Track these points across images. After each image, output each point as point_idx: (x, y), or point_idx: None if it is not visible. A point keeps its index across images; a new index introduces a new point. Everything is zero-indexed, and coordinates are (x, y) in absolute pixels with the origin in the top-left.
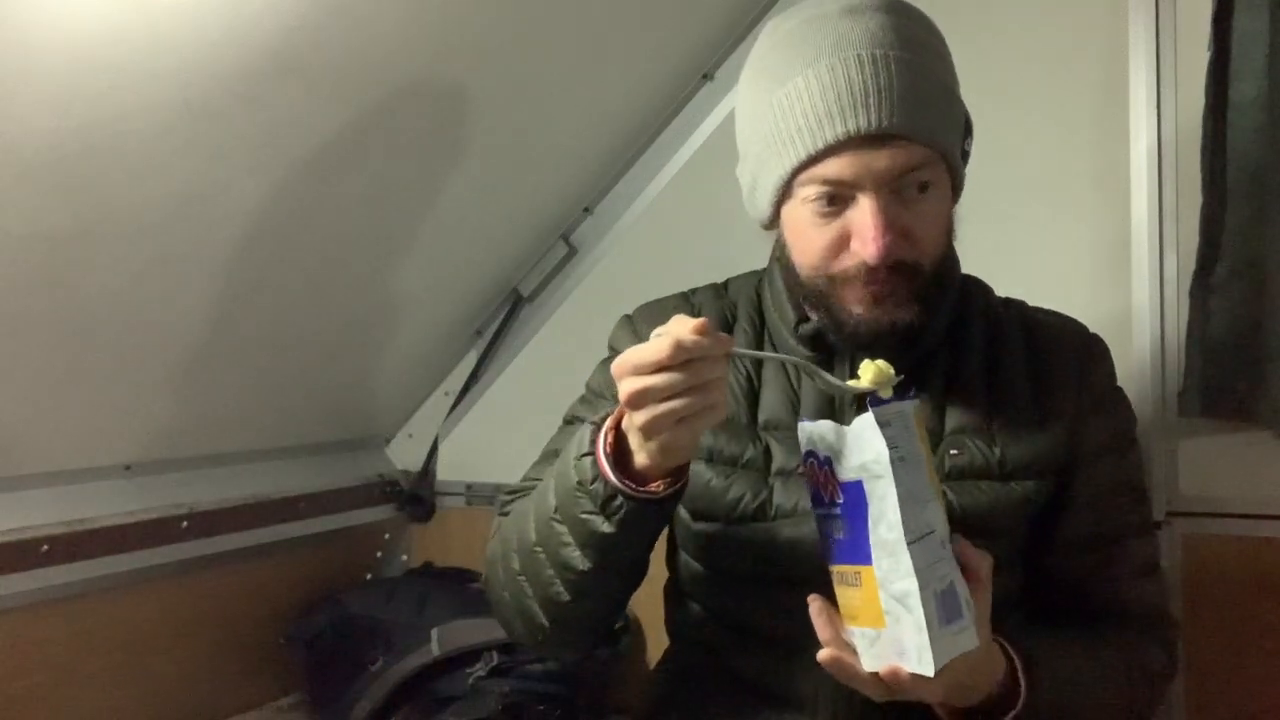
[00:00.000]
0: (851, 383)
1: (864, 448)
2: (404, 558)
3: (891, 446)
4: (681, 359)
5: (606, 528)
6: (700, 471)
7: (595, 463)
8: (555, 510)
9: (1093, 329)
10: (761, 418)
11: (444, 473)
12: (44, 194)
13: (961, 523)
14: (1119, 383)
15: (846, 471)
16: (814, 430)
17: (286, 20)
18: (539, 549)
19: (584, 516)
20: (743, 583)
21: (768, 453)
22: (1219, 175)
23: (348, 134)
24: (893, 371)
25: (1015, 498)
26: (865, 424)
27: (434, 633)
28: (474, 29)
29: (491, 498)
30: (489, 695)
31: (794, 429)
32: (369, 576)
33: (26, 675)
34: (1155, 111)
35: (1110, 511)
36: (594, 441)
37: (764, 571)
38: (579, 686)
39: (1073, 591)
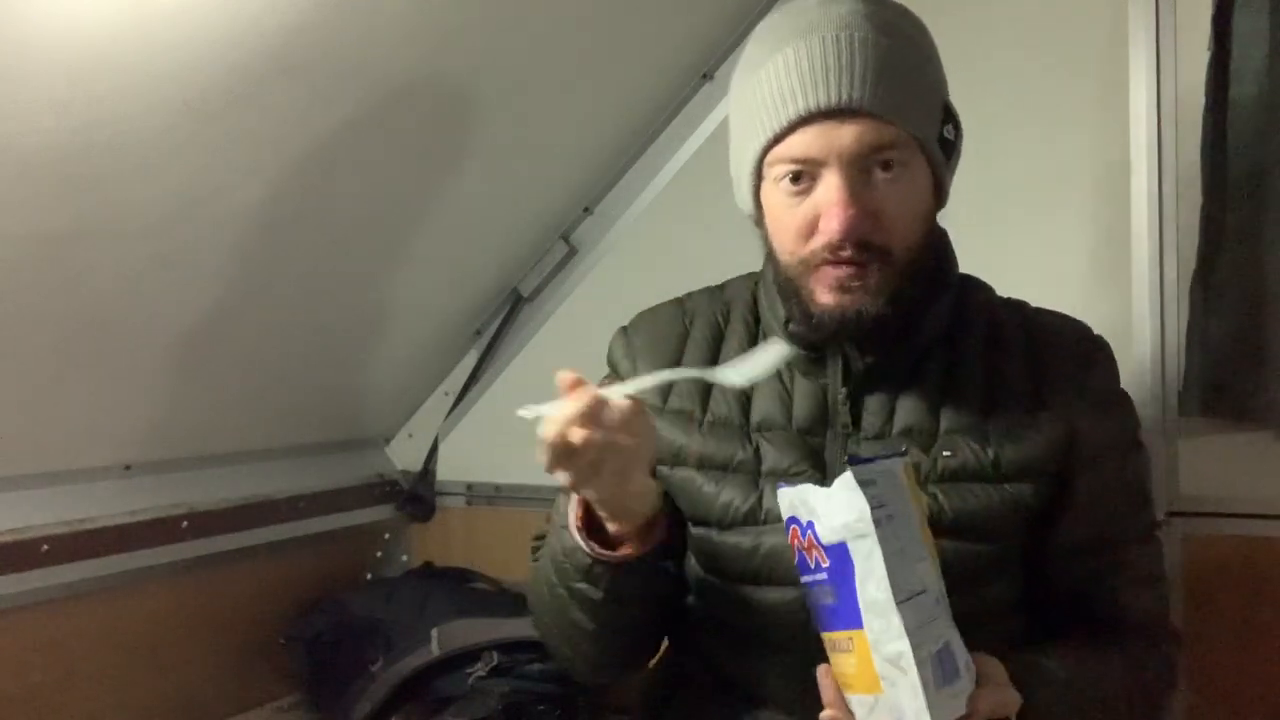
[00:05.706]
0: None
1: (846, 508)
2: (404, 558)
3: (876, 505)
4: (563, 440)
5: (595, 594)
6: (692, 477)
7: (571, 534)
8: (555, 578)
9: (1093, 329)
10: (754, 419)
11: (444, 473)
12: (44, 194)
13: (954, 526)
14: (1121, 384)
15: (829, 534)
16: (794, 495)
17: (286, 20)
18: (554, 608)
19: (576, 585)
20: (732, 586)
21: (758, 454)
22: (1219, 175)
23: (348, 134)
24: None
25: (1009, 501)
26: (844, 484)
27: (434, 633)
28: (474, 29)
29: (491, 498)
30: (489, 695)
31: (786, 430)
32: (369, 576)
33: (26, 675)
34: (1155, 111)
35: (1109, 517)
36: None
37: (752, 576)
38: (579, 686)
39: (1071, 598)
